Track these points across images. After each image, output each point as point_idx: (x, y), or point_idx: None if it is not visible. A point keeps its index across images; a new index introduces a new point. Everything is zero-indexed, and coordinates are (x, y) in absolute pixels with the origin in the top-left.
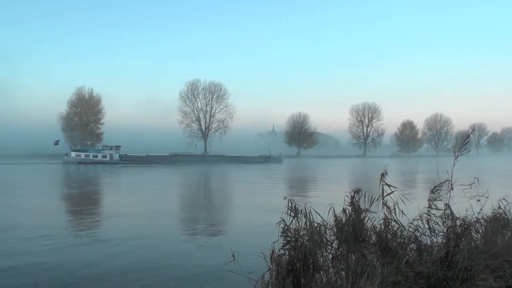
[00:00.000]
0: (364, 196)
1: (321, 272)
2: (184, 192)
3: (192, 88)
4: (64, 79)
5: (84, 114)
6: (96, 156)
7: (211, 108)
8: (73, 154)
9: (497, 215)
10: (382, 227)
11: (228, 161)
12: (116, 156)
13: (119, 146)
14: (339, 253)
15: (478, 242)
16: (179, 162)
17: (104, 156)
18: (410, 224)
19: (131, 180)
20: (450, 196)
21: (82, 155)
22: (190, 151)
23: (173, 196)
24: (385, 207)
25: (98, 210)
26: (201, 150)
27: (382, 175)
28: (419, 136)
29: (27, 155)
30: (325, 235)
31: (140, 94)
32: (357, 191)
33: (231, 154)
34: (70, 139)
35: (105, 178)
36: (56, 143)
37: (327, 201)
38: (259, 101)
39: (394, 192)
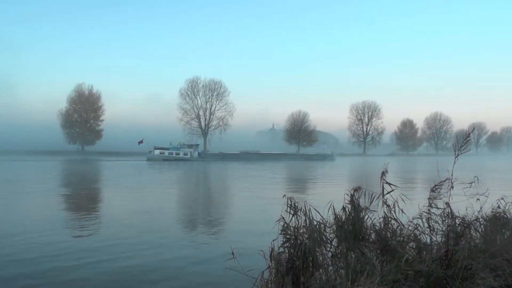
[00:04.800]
0: (364, 194)
1: (321, 270)
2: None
3: (192, 86)
4: (65, 76)
5: (83, 111)
6: (178, 154)
7: (211, 106)
8: (156, 152)
9: (497, 214)
10: (382, 225)
11: (291, 159)
12: (195, 154)
13: (198, 145)
14: (339, 251)
15: (477, 241)
16: (248, 159)
17: (185, 154)
18: (409, 223)
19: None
20: (450, 195)
21: (166, 152)
22: (257, 149)
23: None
24: (385, 206)
25: None
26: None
27: (383, 173)
28: (418, 135)
29: (33, 151)
30: (324, 233)
31: (141, 92)
32: (357, 189)
33: (294, 153)
34: (69, 135)
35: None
36: (141, 142)
37: None
38: (259, 99)
39: (394, 191)
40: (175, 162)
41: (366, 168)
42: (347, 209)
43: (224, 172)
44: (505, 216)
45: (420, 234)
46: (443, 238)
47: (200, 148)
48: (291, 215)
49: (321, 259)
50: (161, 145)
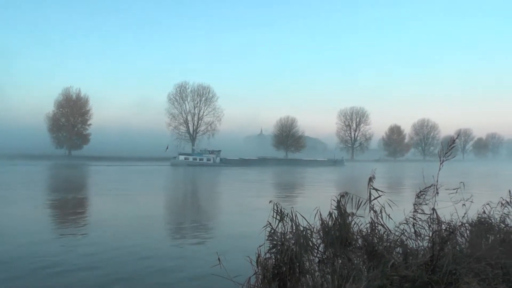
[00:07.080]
0: (352, 200)
1: (307, 275)
2: None
3: (180, 91)
4: (52, 80)
5: (71, 115)
6: (202, 159)
7: (199, 111)
8: (181, 157)
9: (482, 219)
10: (369, 231)
11: (304, 164)
12: (218, 159)
13: (220, 151)
14: (326, 256)
15: (462, 246)
16: (266, 164)
17: (209, 160)
18: (396, 228)
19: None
20: (435, 201)
21: (190, 158)
22: (274, 155)
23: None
24: (371, 211)
25: None
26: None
27: (370, 179)
28: (406, 140)
29: (19, 155)
30: (311, 239)
31: (129, 97)
32: (343, 195)
33: (306, 158)
34: (56, 140)
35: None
36: (167, 148)
37: None
38: (247, 105)
39: (381, 196)
40: (199, 167)
41: (379, 172)
42: (333, 215)
43: (258, 176)
44: (490, 221)
45: (406, 240)
46: (429, 243)
47: (221, 154)
48: (277, 221)
49: (307, 264)
50: (148, 150)
